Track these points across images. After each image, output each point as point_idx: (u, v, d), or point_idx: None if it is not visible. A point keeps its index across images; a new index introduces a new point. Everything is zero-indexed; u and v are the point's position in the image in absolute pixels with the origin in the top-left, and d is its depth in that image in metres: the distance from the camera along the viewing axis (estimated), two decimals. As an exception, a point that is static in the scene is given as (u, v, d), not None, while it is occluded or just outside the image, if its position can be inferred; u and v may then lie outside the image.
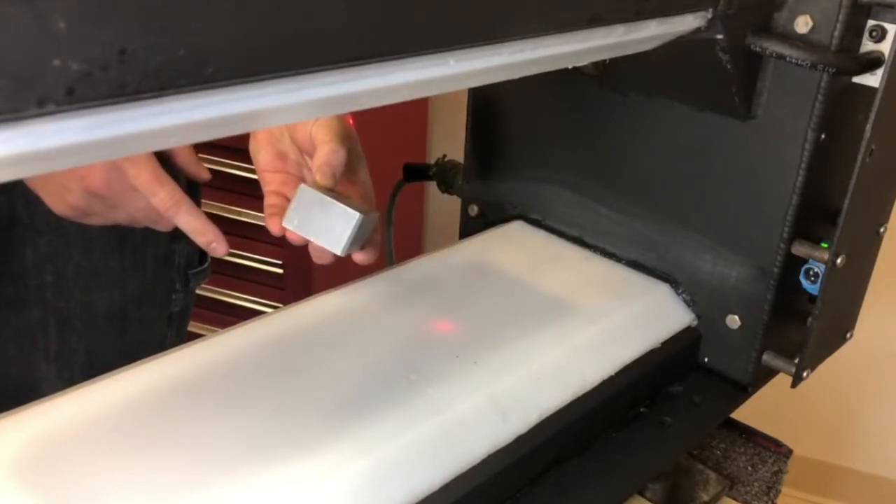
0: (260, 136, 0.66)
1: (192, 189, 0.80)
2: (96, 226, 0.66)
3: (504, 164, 0.75)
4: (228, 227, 1.56)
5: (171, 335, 0.83)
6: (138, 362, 0.53)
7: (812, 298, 0.59)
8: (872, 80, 0.53)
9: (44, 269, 0.71)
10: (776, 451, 0.65)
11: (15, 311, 0.72)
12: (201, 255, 0.84)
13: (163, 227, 0.64)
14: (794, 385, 0.62)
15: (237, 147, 1.54)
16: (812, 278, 0.59)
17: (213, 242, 0.61)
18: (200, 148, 0.82)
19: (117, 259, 0.74)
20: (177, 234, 0.78)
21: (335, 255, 0.59)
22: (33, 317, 0.73)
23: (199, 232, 0.61)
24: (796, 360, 0.61)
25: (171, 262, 0.79)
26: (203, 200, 0.87)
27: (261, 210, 1.52)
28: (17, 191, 0.68)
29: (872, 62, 0.53)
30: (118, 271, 0.74)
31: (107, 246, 0.73)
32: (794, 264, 0.60)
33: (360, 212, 0.57)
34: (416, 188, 1.16)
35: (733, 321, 0.63)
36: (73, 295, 0.73)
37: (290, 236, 0.59)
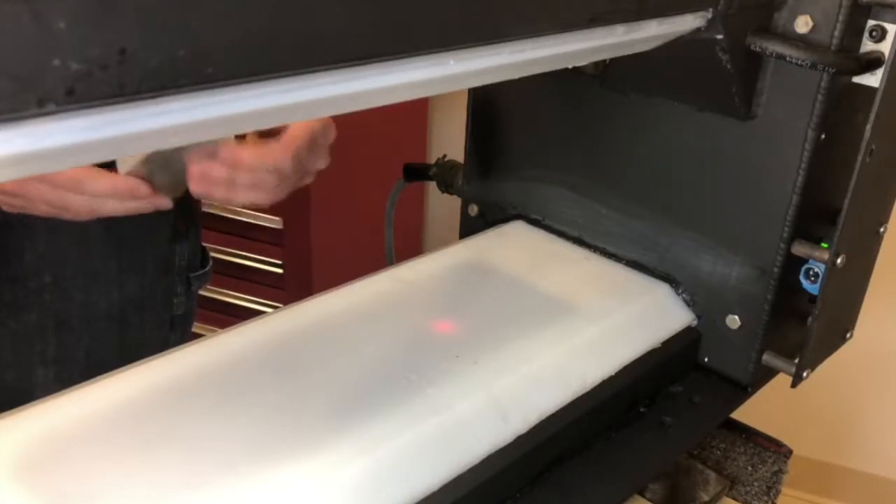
0: None
1: (193, 203, 0.80)
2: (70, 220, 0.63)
3: (504, 164, 0.75)
4: (228, 227, 1.56)
5: (175, 339, 0.82)
6: (138, 362, 0.53)
7: (812, 298, 0.59)
8: (872, 80, 0.53)
9: (42, 270, 0.71)
10: (776, 451, 0.65)
11: (13, 314, 0.72)
12: (203, 257, 0.84)
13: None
14: (794, 385, 0.62)
15: (237, 147, 1.54)
16: (812, 278, 0.59)
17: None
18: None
19: (115, 260, 0.73)
20: (178, 235, 0.78)
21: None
22: (31, 320, 0.72)
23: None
24: (796, 360, 0.61)
25: (172, 265, 0.79)
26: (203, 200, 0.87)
27: (260, 210, 1.52)
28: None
29: (872, 62, 0.53)
30: (116, 272, 0.74)
31: (104, 247, 0.72)
32: (794, 264, 0.60)
33: None
34: (416, 188, 1.17)
35: (733, 321, 0.63)
36: (72, 296, 0.73)
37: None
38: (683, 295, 0.66)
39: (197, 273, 0.82)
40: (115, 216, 0.60)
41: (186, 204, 0.78)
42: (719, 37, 0.51)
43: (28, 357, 0.74)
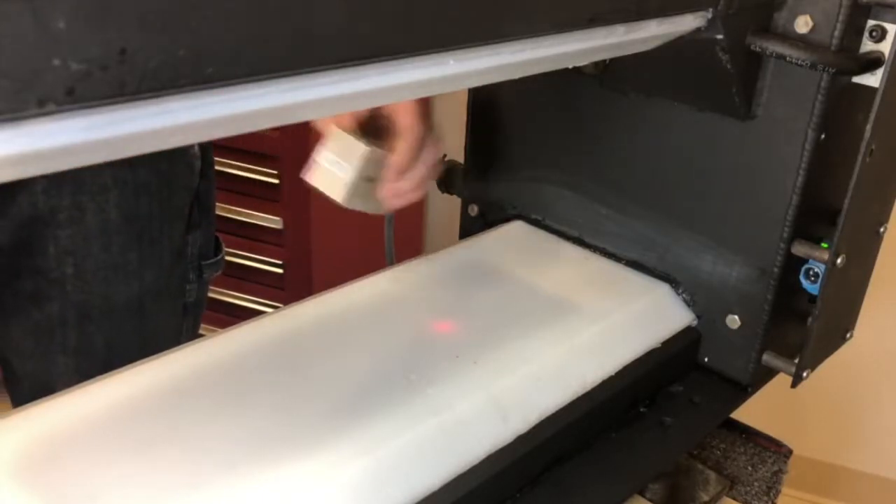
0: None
1: (207, 194, 0.80)
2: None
3: (504, 164, 0.75)
4: (229, 227, 1.56)
5: (187, 326, 0.84)
6: (138, 362, 0.53)
7: (812, 298, 0.59)
8: (872, 80, 0.53)
9: (64, 262, 0.72)
10: (776, 451, 0.65)
11: (36, 304, 0.73)
12: (215, 246, 0.85)
13: None
14: (794, 385, 0.62)
15: (238, 147, 1.55)
16: (812, 278, 0.59)
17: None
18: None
19: (135, 251, 0.74)
20: (191, 226, 0.79)
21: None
22: (53, 310, 0.73)
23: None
24: (796, 360, 0.61)
25: (185, 254, 0.80)
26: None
27: (261, 210, 1.53)
28: (38, 187, 0.69)
29: (872, 62, 0.53)
30: (136, 264, 0.75)
31: (125, 239, 0.73)
32: (794, 264, 0.60)
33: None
34: (416, 188, 1.16)
35: (733, 321, 0.63)
36: (93, 287, 0.74)
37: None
38: (683, 295, 0.66)
39: (209, 261, 0.83)
40: None
41: (201, 196, 0.79)
42: (719, 37, 0.51)
43: (49, 347, 0.75)
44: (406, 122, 0.64)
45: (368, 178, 0.64)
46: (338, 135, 0.64)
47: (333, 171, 0.63)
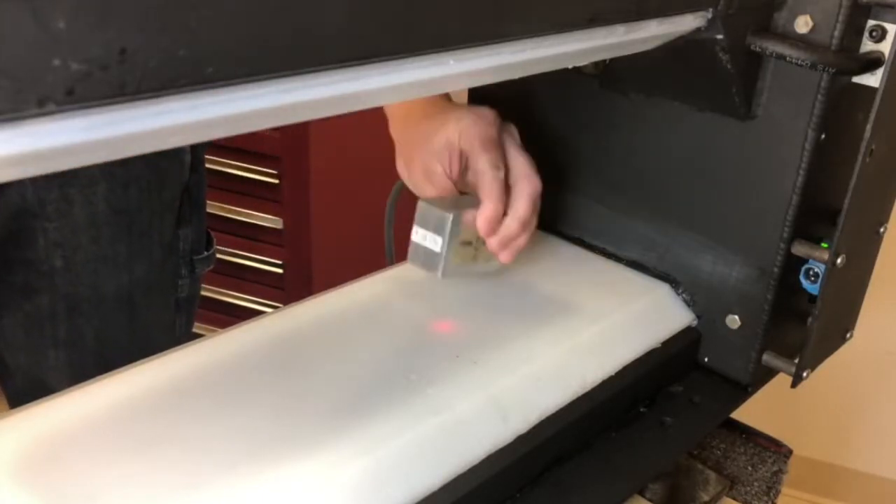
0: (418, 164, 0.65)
1: (197, 189, 0.80)
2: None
3: (504, 164, 0.75)
4: (228, 227, 1.56)
5: (181, 322, 0.84)
6: (138, 362, 0.53)
7: (812, 298, 0.59)
8: (872, 80, 0.53)
9: (53, 254, 0.72)
10: (776, 451, 0.65)
11: (27, 297, 0.73)
12: (207, 241, 0.85)
13: None
14: (794, 385, 0.62)
15: (237, 147, 1.55)
16: (812, 278, 0.59)
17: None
18: (201, 148, 0.82)
19: (124, 244, 0.75)
20: (182, 220, 0.79)
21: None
22: (43, 302, 0.74)
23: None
24: (796, 360, 0.61)
25: (176, 249, 0.80)
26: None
27: (261, 210, 1.53)
28: (27, 179, 0.69)
29: (872, 62, 0.53)
30: (125, 256, 0.75)
31: (114, 231, 0.74)
32: (794, 264, 0.60)
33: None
34: (416, 188, 1.16)
35: (733, 321, 0.63)
36: (82, 279, 0.74)
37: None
38: (683, 295, 0.66)
39: (201, 256, 0.83)
40: None
41: (192, 190, 0.79)
42: (719, 37, 0.51)
43: (40, 340, 0.75)
44: (479, 168, 0.61)
45: (467, 242, 0.61)
46: (425, 208, 0.60)
47: (427, 246, 0.60)
